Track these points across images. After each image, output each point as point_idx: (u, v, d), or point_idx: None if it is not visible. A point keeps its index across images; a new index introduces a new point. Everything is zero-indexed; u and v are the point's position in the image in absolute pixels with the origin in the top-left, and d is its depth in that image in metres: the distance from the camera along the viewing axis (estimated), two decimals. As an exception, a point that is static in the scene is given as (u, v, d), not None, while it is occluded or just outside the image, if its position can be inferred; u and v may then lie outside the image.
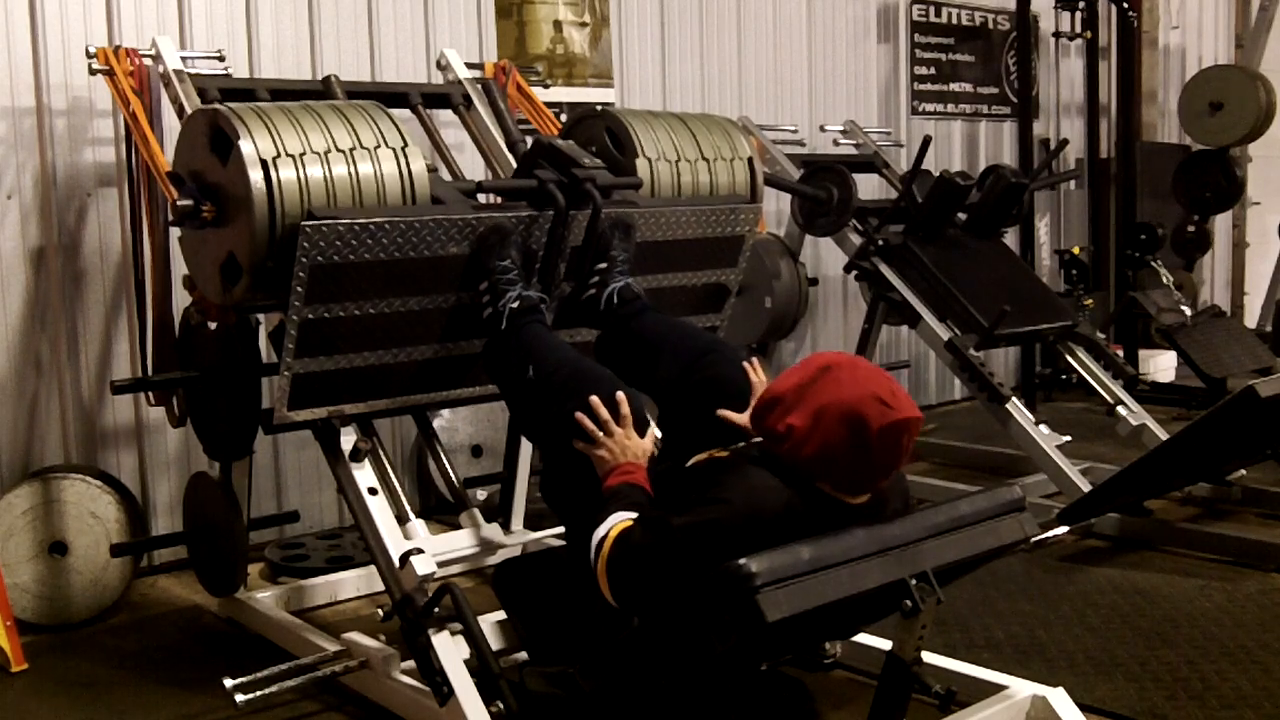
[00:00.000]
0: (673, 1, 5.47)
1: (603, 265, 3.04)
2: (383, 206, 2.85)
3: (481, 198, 3.18)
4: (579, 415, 2.51)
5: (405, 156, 2.91)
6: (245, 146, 2.73)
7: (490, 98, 3.84)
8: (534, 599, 2.76)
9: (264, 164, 2.73)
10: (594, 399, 2.53)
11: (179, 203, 2.88)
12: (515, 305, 2.86)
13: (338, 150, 2.83)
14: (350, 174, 2.82)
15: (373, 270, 2.79)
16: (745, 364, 2.79)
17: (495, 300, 2.89)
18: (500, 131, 3.77)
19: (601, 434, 2.49)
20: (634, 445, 2.49)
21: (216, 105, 2.93)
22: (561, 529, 3.08)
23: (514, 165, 3.54)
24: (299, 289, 2.71)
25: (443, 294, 2.95)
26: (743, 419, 2.55)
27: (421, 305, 2.93)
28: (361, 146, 2.87)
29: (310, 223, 2.67)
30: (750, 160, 3.55)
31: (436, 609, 2.63)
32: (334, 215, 2.72)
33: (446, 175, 3.75)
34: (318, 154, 2.80)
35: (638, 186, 3.24)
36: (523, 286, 2.90)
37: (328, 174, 2.79)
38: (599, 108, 3.54)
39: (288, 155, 2.76)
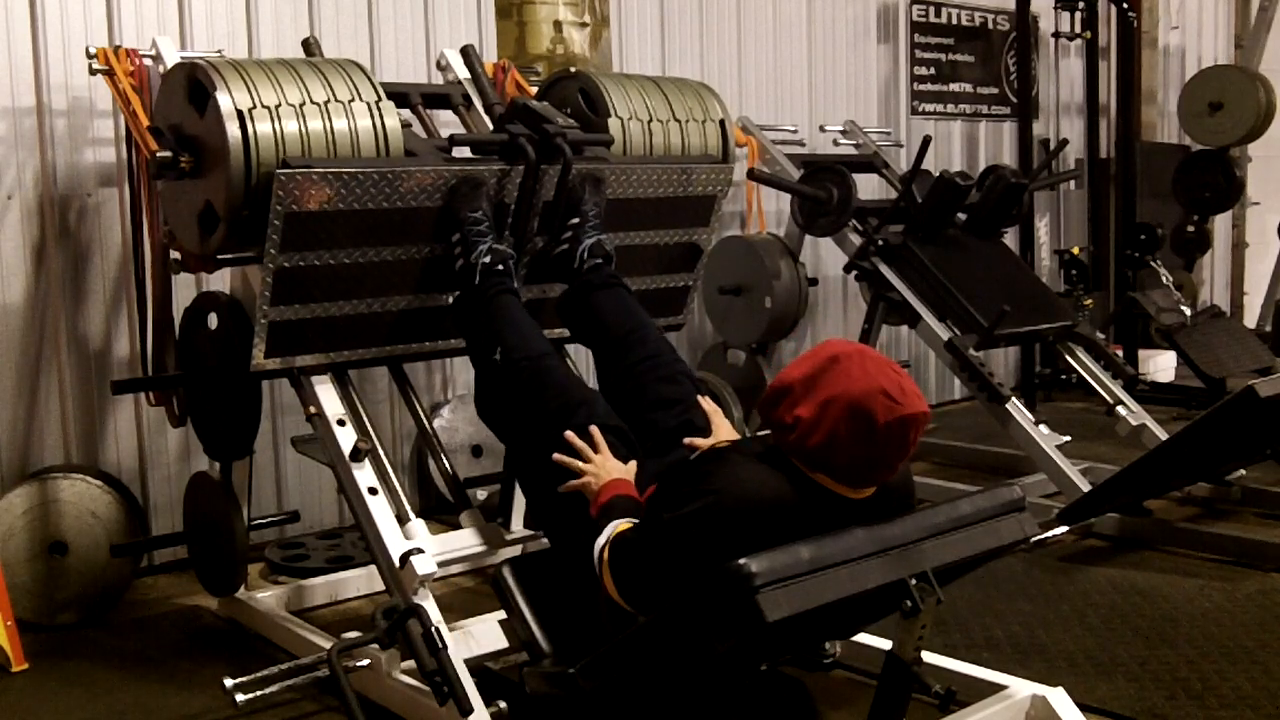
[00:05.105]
0: (673, 1, 5.47)
1: (575, 220, 3.13)
2: (357, 158, 2.92)
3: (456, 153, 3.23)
4: (558, 457, 2.57)
5: (380, 110, 3.00)
6: (222, 98, 2.81)
7: (471, 66, 3.83)
8: (535, 598, 2.77)
9: (240, 115, 2.81)
10: (569, 434, 2.59)
11: (158, 154, 2.95)
12: (487, 260, 2.96)
13: (313, 103, 2.91)
14: (325, 126, 2.91)
15: (347, 220, 2.88)
16: (683, 372, 2.88)
17: (467, 253, 2.98)
18: (479, 97, 3.78)
19: (580, 463, 2.55)
20: (613, 465, 2.54)
21: (194, 59, 2.99)
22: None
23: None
24: (274, 237, 2.80)
25: (416, 245, 3.04)
26: (705, 443, 2.61)
27: (395, 256, 3.02)
28: (336, 100, 2.94)
29: (285, 171, 2.75)
30: (722, 122, 3.59)
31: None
32: (308, 164, 2.80)
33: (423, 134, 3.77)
34: (293, 106, 2.88)
35: (609, 143, 3.32)
36: (494, 239, 3.00)
37: (303, 126, 2.87)
38: (573, 70, 3.59)
39: (263, 107, 2.85)
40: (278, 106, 2.85)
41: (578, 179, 3.12)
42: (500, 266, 2.97)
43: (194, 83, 2.91)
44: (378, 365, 3.33)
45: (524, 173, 3.06)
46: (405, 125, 3.17)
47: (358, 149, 2.94)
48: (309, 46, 3.81)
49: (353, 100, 2.96)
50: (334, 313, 3.00)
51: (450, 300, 3.12)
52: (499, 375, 2.83)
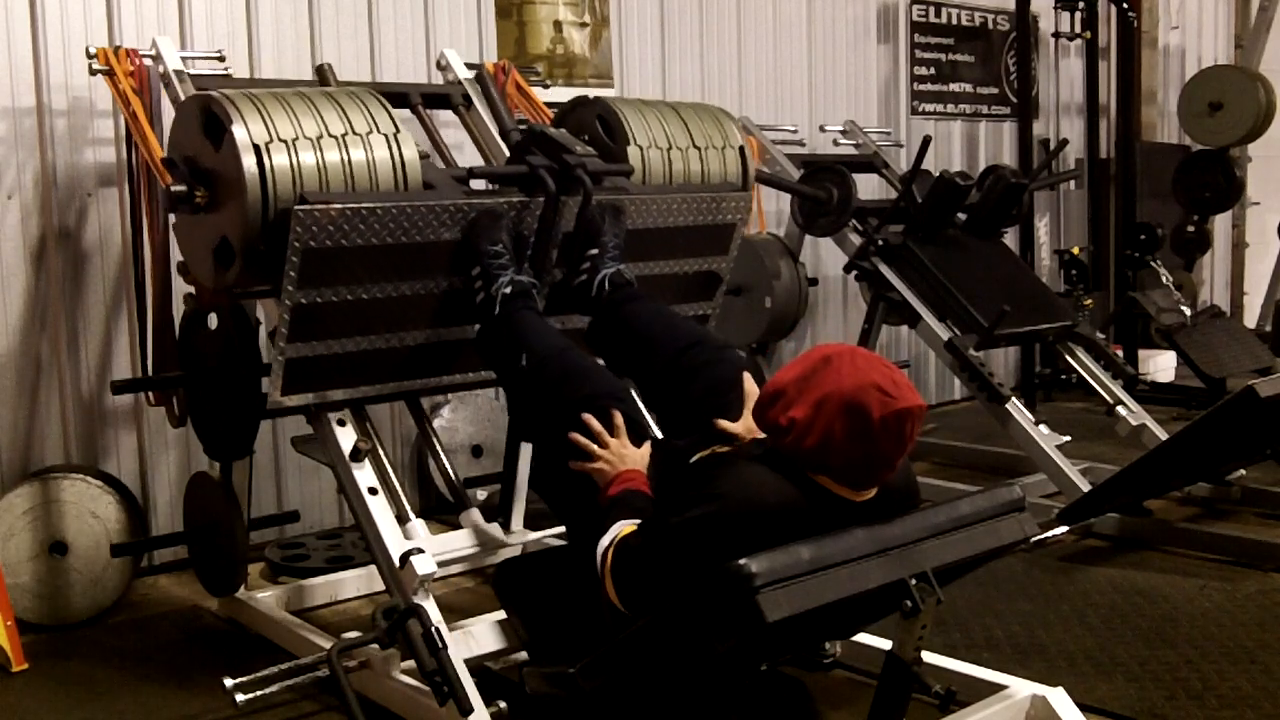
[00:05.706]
0: (673, 1, 5.47)
1: (594, 251, 3.07)
2: (375, 192, 2.87)
3: (474, 184, 3.19)
4: (573, 436, 2.54)
5: (397, 142, 2.94)
6: (238, 131, 2.75)
7: (485, 89, 3.83)
8: (535, 599, 2.77)
9: (256, 149, 2.75)
10: (586, 417, 2.56)
11: (173, 188, 2.90)
12: (508, 290, 2.90)
13: (330, 135, 2.85)
14: (343, 159, 2.84)
15: (365, 255, 2.82)
16: (733, 357, 2.82)
17: (488, 285, 2.92)
18: (494, 121, 3.77)
19: (596, 447, 2.52)
20: (630, 454, 2.52)
21: (210, 91, 2.94)
22: (562, 529, 3.10)
23: (508, 155, 3.56)
24: (292, 273, 2.73)
25: (435, 279, 2.98)
26: (736, 428, 2.58)
27: (414, 290, 2.96)
28: (354, 132, 2.88)
29: (303, 207, 2.69)
30: (741, 149, 3.56)
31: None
32: (326, 200, 2.74)
33: (440, 164, 3.75)
34: (310, 139, 2.82)
35: (629, 173, 3.26)
36: (514, 271, 2.94)
37: (320, 159, 2.81)
38: (591, 95, 3.57)
39: (280, 140, 2.78)
40: (295, 140, 2.79)
41: (597, 209, 3.06)
42: (522, 295, 2.94)
43: (209, 115, 2.84)
44: (396, 400, 3.26)
45: (544, 204, 3.00)
46: (424, 156, 3.11)
47: (375, 182, 2.87)
48: (324, 75, 3.74)
49: (370, 132, 2.89)
50: (352, 349, 2.93)
51: (471, 333, 3.07)
52: (528, 380, 2.78)
